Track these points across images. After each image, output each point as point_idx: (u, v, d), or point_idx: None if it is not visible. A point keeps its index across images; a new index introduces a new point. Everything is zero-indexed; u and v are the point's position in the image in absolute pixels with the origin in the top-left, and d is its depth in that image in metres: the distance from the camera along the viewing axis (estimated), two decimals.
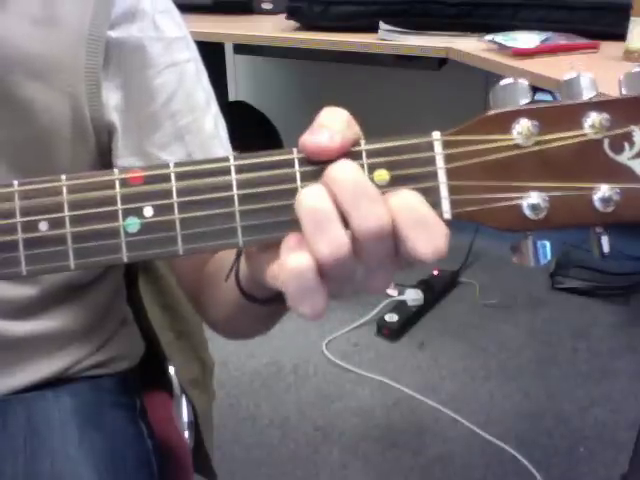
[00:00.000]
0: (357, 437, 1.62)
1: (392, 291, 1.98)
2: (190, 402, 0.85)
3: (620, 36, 1.21)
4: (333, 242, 0.34)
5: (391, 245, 0.35)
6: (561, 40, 1.31)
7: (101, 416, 0.72)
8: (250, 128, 2.43)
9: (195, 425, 0.86)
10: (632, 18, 1.16)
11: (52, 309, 0.70)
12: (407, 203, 0.35)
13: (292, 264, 0.35)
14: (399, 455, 1.57)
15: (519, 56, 1.24)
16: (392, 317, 1.94)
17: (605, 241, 0.37)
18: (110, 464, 0.67)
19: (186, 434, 0.86)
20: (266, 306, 0.48)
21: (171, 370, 0.86)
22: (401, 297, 1.99)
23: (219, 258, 0.61)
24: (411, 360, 1.87)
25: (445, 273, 2.12)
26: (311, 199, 0.35)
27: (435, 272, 2.10)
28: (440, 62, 1.62)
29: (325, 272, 0.35)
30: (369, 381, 1.79)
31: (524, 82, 0.37)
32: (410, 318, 1.97)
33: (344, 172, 0.35)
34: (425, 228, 0.35)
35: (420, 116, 2.40)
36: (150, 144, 0.62)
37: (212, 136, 0.65)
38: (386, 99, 2.47)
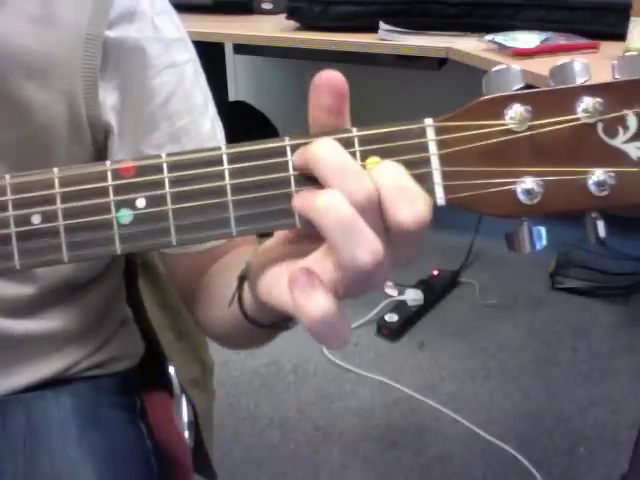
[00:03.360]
0: (357, 437, 1.62)
1: (392, 291, 1.98)
2: (190, 402, 0.85)
3: (620, 36, 1.21)
4: (370, 247, 0.34)
5: (378, 218, 0.35)
6: (561, 40, 1.31)
7: (101, 416, 0.72)
8: (250, 128, 2.43)
9: (195, 425, 0.86)
10: (632, 18, 1.16)
11: (51, 309, 0.70)
12: (387, 173, 0.35)
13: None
14: (399, 455, 1.57)
15: (519, 56, 1.24)
16: (392, 317, 1.94)
17: (601, 226, 0.37)
18: (110, 464, 0.67)
19: (186, 434, 0.86)
20: (271, 329, 0.48)
21: (171, 370, 0.86)
22: (401, 297, 1.98)
23: (216, 275, 0.60)
24: (411, 360, 1.87)
25: (445, 273, 2.12)
26: (334, 208, 0.34)
27: (435, 272, 2.09)
28: (440, 62, 1.62)
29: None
30: (369, 381, 1.79)
31: (516, 68, 0.37)
32: (410, 318, 1.97)
33: (323, 149, 0.35)
34: (406, 196, 0.35)
35: (420, 116, 2.39)
36: (146, 144, 0.62)
37: (209, 138, 0.65)
38: (386, 99, 2.46)
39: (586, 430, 1.61)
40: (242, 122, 2.36)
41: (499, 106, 0.36)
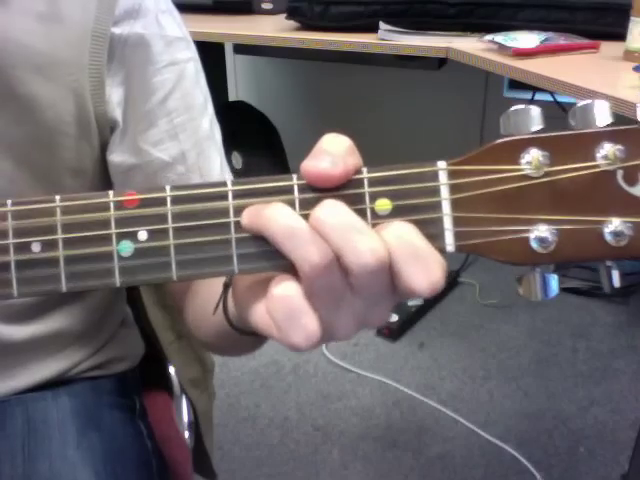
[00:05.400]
0: (357, 437, 1.62)
1: None
2: (190, 402, 0.85)
3: (620, 36, 1.21)
4: (318, 250, 0.34)
5: (387, 278, 0.34)
6: (561, 40, 1.31)
7: (100, 417, 0.72)
8: (250, 128, 2.43)
9: (195, 425, 0.86)
10: (632, 18, 1.16)
11: (52, 311, 0.70)
12: (400, 236, 0.34)
13: (277, 291, 0.35)
14: (399, 455, 1.57)
15: (519, 56, 1.24)
16: (392, 317, 1.94)
17: (616, 275, 0.36)
18: (109, 465, 0.67)
19: (186, 434, 0.86)
20: (254, 337, 0.47)
21: (171, 370, 0.86)
22: None
23: (205, 289, 0.59)
24: (411, 360, 1.87)
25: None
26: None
27: None
28: (440, 62, 1.62)
29: (311, 291, 0.34)
30: (369, 381, 1.79)
31: (536, 109, 0.35)
32: (410, 318, 1.97)
33: (329, 212, 0.34)
34: (420, 261, 0.34)
35: (420, 116, 2.40)
36: (143, 140, 0.62)
37: (207, 137, 0.65)
38: (386, 99, 2.47)
39: (586, 430, 1.61)
40: (242, 122, 2.36)
41: (515, 150, 0.35)
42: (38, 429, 0.68)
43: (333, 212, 0.34)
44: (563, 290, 2.08)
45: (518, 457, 1.53)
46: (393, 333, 1.93)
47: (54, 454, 0.66)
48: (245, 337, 0.47)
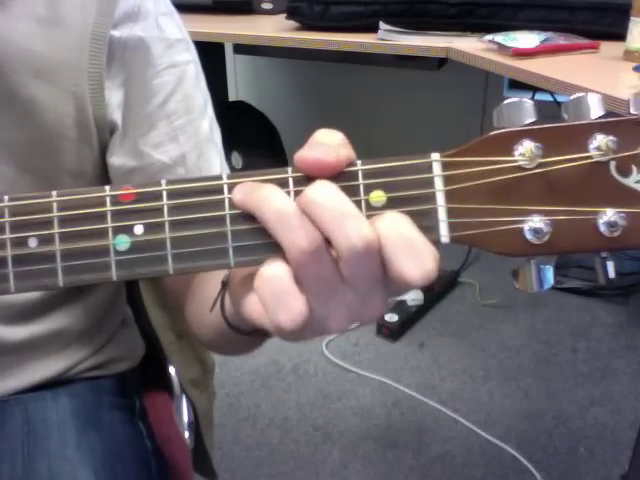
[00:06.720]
0: (357, 437, 1.62)
1: None
2: (190, 402, 0.85)
3: (620, 36, 1.21)
4: (307, 234, 0.34)
5: (378, 266, 0.35)
6: (561, 40, 1.31)
7: (100, 417, 0.72)
8: (250, 128, 2.43)
9: (195, 425, 0.86)
10: (632, 18, 1.16)
11: (52, 311, 0.70)
12: (393, 226, 0.34)
13: (266, 271, 0.35)
14: (399, 455, 1.57)
15: (519, 56, 1.24)
16: (392, 317, 1.94)
17: (611, 266, 0.36)
18: (108, 465, 0.67)
19: (186, 434, 0.86)
20: (250, 337, 0.47)
21: (171, 370, 0.86)
22: (401, 297, 1.98)
23: (204, 287, 0.59)
24: (411, 360, 1.87)
25: (445, 273, 2.12)
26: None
27: None
28: (440, 62, 1.62)
29: (301, 278, 0.35)
30: (369, 381, 1.79)
31: (529, 101, 0.36)
32: (410, 318, 1.97)
33: (320, 192, 0.35)
34: (413, 251, 0.34)
35: (420, 116, 2.40)
36: (144, 143, 0.63)
37: (207, 140, 0.65)
38: (386, 99, 2.47)
39: (586, 430, 1.61)
40: (242, 122, 2.36)
41: (509, 142, 0.35)
42: (37, 429, 0.67)
43: (324, 192, 0.35)
44: (563, 290, 2.08)
45: (518, 457, 1.53)
46: (393, 333, 1.93)
47: (53, 454, 0.66)
48: (242, 337, 0.47)
